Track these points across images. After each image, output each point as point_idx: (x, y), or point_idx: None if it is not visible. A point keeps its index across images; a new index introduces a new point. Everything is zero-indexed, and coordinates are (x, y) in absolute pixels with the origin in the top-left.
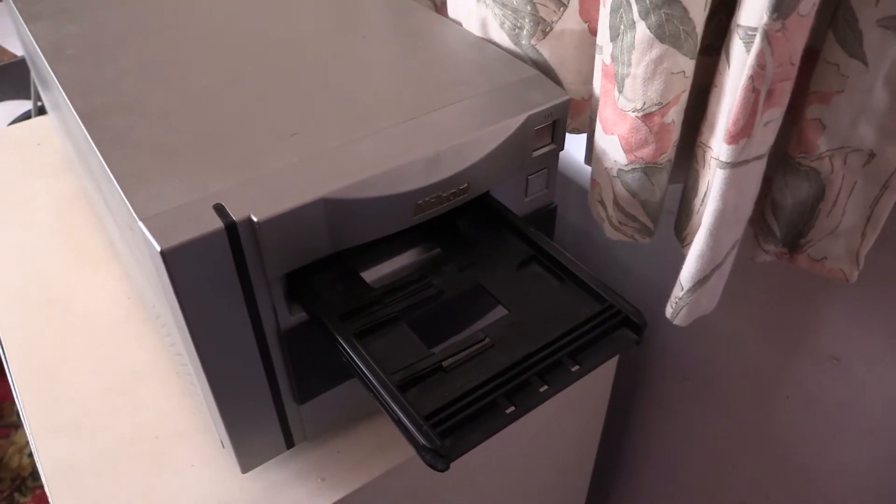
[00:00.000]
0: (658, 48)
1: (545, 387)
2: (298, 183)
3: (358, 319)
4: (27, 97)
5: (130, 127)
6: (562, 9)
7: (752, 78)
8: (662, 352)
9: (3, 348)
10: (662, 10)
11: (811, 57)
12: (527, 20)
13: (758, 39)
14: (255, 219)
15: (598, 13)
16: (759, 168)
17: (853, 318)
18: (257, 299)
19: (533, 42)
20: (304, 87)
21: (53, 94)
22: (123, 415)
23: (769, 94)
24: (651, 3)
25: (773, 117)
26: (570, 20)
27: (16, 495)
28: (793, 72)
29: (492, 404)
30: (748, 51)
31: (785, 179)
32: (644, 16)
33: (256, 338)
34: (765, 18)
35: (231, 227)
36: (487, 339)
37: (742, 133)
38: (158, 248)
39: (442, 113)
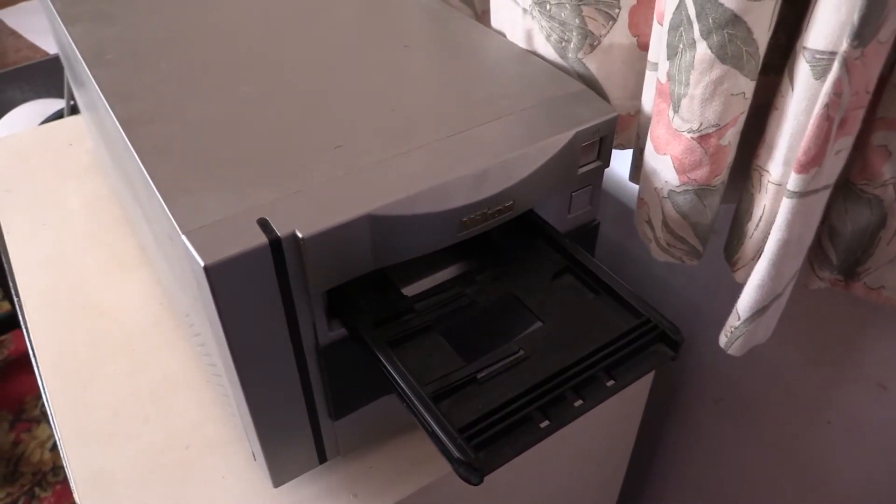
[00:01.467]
0: (719, 69)
1: (580, 401)
2: (343, 198)
3: (392, 328)
4: (59, 95)
5: (172, 135)
6: (611, 22)
7: (828, 106)
8: (698, 370)
9: (33, 351)
10: (726, 30)
11: (879, 81)
12: (574, 33)
13: (836, 67)
14: (299, 234)
15: (648, 27)
16: (825, 197)
17: None
18: (298, 315)
19: (580, 55)
20: (346, 98)
21: (92, 97)
22: (154, 423)
23: (842, 122)
24: (714, 22)
25: (844, 146)
26: (619, 34)
27: (36, 490)
28: (867, 99)
29: (526, 418)
30: (815, 75)
31: (845, 206)
32: (706, 35)
33: (295, 353)
34: (844, 45)
35: (275, 243)
36: (522, 352)
37: (813, 162)
38: (202, 263)
39: (488, 128)
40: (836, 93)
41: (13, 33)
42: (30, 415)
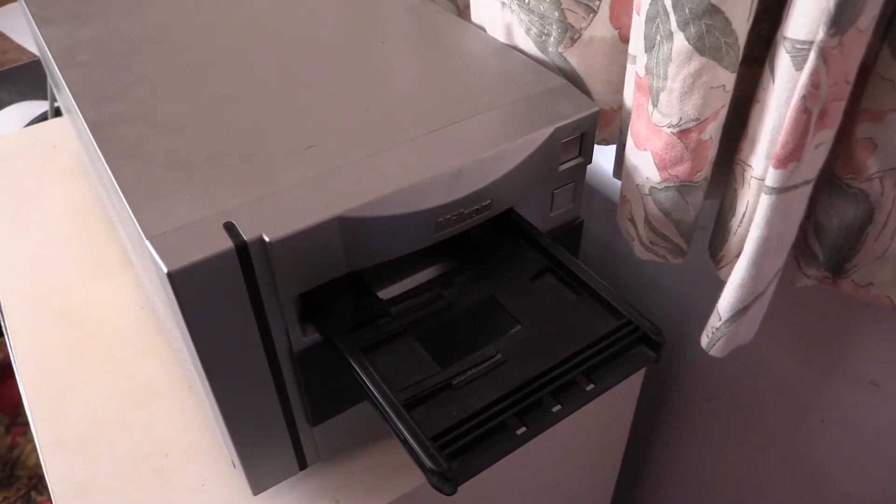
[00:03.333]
0: (697, 61)
1: (558, 407)
2: (313, 200)
3: (366, 332)
4: (45, 97)
5: (141, 138)
6: (591, 15)
7: (805, 98)
8: (689, 369)
9: (14, 357)
10: (703, 21)
11: (862, 72)
12: (554, 26)
13: (812, 57)
14: (266, 238)
15: (629, 20)
16: (806, 193)
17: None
18: (269, 320)
19: (560, 49)
20: (320, 97)
21: (65, 99)
22: (135, 430)
23: (821, 114)
24: (691, 12)
25: (824, 139)
26: (600, 27)
27: (32, 493)
28: (847, 91)
29: (502, 425)
30: (796, 66)
31: (831, 201)
32: (683, 26)
33: (268, 359)
34: (820, 34)
35: (241, 248)
36: (499, 356)
37: (791, 157)
38: (165, 270)
39: (464, 125)
40: (814, 84)
41: (0, 35)
42: (25, 418)
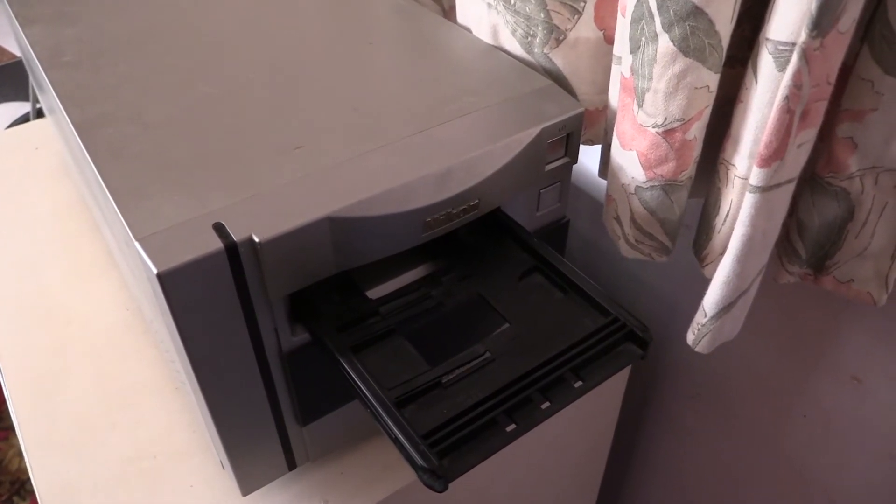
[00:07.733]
0: (681, 62)
1: (547, 403)
2: (302, 201)
3: (355, 332)
4: (26, 98)
5: (128, 138)
6: (576, 16)
7: (788, 98)
8: (674, 366)
9: None
10: (687, 23)
11: (843, 73)
12: (540, 28)
13: (795, 58)
14: (256, 239)
15: (614, 21)
16: (789, 191)
17: (877, 339)
18: (258, 321)
19: (546, 50)
20: (308, 97)
21: (49, 100)
22: (121, 431)
23: (804, 114)
24: (675, 14)
25: (806, 139)
26: (585, 28)
27: (15, 499)
28: (829, 91)
29: (492, 422)
30: (778, 67)
31: (812, 199)
32: (667, 28)
33: (257, 359)
34: (803, 36)
35: (231, 248)
36: (488, 354)
37: (774, 156)
38: (155, 271)
39: (452, 125)
40: (796, 84)
41: None
42: (8, 423)
